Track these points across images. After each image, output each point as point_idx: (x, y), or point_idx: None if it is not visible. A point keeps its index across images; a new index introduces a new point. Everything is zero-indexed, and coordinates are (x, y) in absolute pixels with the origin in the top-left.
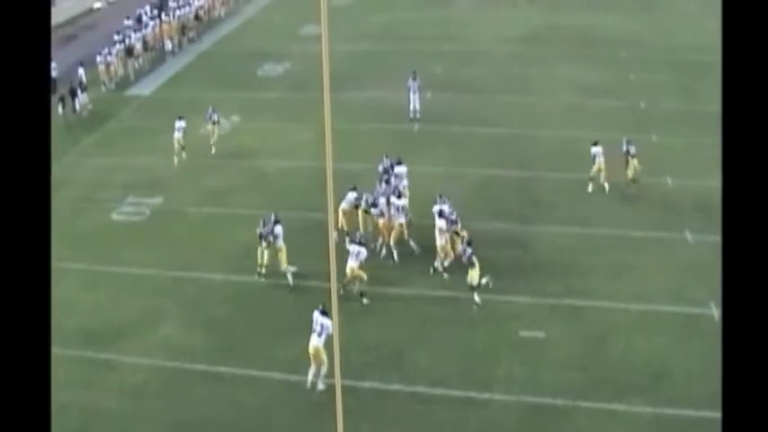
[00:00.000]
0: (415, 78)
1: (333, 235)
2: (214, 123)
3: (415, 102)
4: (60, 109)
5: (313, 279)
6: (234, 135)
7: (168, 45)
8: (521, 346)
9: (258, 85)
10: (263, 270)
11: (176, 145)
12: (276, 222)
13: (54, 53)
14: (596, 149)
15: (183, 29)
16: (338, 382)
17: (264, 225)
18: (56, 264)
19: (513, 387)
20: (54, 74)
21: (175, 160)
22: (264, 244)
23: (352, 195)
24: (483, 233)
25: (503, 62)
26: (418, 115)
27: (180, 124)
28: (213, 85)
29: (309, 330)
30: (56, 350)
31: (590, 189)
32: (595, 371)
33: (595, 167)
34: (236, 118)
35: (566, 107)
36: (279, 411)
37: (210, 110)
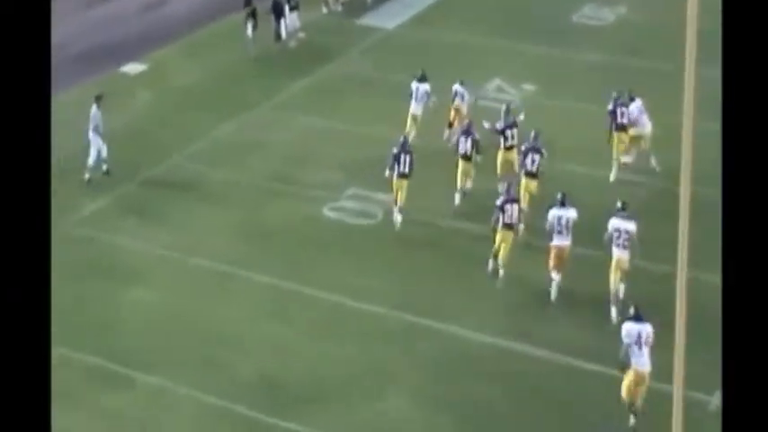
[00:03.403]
0: None
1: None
2: (456, 109)
3: None
4: (249, 31)
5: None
6: (524, 112)
7: None
8: None
9: (572, 38)
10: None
11: (409, 120)
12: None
13: None
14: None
15: None
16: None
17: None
18: (225, 267)
19: None
20: None
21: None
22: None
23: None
24: None
25: None
26: None
27: (423, 88)
28: (497, 28)
29: None
30: (218, 402)
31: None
32: None
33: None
34: (529, 87)
35: None
36: None
37: (458, 87)
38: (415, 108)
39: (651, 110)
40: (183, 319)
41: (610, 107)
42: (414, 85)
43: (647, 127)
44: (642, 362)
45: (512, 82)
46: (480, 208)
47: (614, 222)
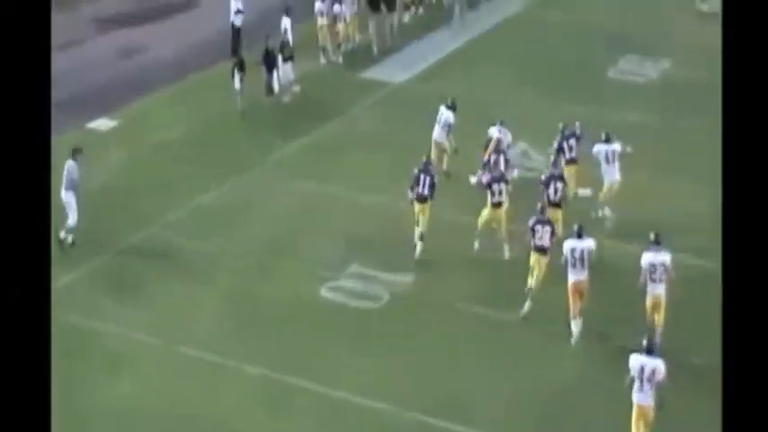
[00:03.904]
0: None
1: None
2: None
3: None
4: (237, 83)
5: None
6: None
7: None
8: None
9: (607, 95)
10: None
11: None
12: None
13: None
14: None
15: None
16: None
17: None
18: (211, 354)
19: None
20: (238, 22)
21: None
22: None
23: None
24: None
25: None
26: None
27: (446, 116)
28: (521, 84)
29: None
30: None
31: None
32: None
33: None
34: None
35: None
36: None
37: (497, 127)
38: (437, 134)
39: (699, 179)
40: (164, 413)
41: (555, 144)
42: (442, 108)
43: (614, 176)
44: (641, 397)
45: (539, 146)
46: (502, 290)
47: (647, 257)
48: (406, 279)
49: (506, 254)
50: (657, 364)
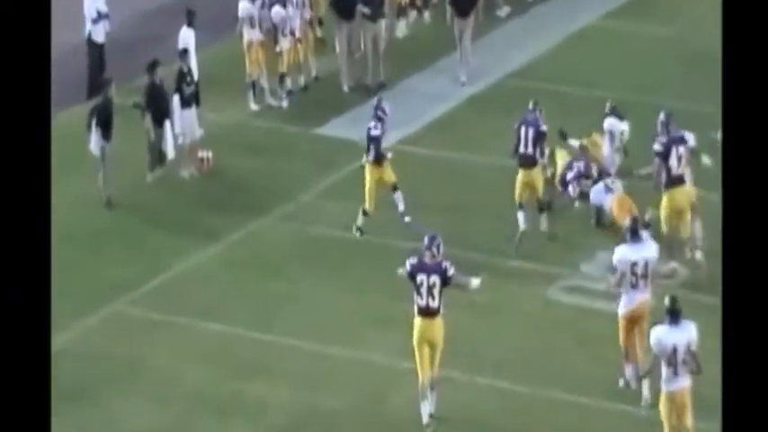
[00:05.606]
0: None
1: None
2: None
3: None
4: (96, 144)
5: None
6: None
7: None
8: None
9: None
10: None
11: None
12: None
13: None
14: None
15: None
16: None
17: None
18: None
19: None
20: (99, 36)
21: None
22: None
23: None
24: None
25: None
26: None
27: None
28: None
29: None
30: None
31: None
32: None
33: None
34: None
35: None
36: None
37: None
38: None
39: None
40: None
41: (659, 146)
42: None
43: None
44: (675, 381)
45: (597, 262)
46: None
47: None
48: None
49: (425, 419)
50: (690, 333)
